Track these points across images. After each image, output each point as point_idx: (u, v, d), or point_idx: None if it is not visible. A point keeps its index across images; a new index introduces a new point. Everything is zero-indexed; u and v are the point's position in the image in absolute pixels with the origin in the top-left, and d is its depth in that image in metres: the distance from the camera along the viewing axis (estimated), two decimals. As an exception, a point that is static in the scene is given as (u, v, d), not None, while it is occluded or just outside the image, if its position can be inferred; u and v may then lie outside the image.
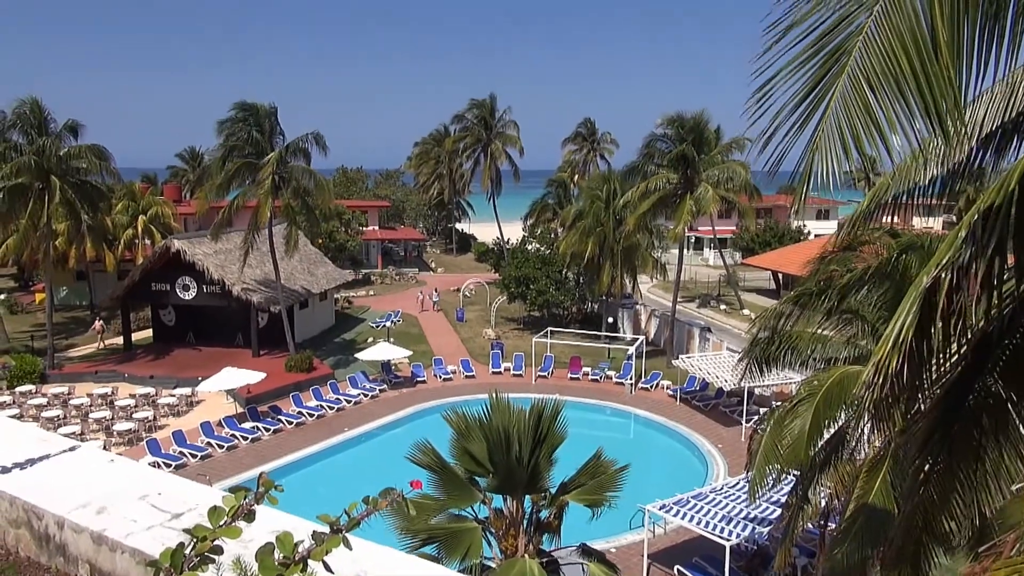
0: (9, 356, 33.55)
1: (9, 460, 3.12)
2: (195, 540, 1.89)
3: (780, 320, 13.98)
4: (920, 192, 6.15)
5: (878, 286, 12.63)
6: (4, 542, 2.86)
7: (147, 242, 45.51)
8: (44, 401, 30.30)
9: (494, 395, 10.86)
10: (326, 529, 2.00)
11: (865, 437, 12.88)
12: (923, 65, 4.50)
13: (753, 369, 14.40)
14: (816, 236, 58.25)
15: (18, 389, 31.50)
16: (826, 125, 4.75)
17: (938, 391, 5.61)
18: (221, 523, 1.92)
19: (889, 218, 6.69)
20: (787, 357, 13.95)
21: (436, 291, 51.90)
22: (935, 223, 57.40)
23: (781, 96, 4.85)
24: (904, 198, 6.20)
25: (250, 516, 1.97)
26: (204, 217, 44.77)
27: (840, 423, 12.93)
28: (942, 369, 5.36)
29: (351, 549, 2.01)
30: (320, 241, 51.04)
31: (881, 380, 5.17)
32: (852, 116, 4.70)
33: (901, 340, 4.90)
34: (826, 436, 13.38)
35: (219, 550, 1.91)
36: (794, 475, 14.40)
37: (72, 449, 3.30)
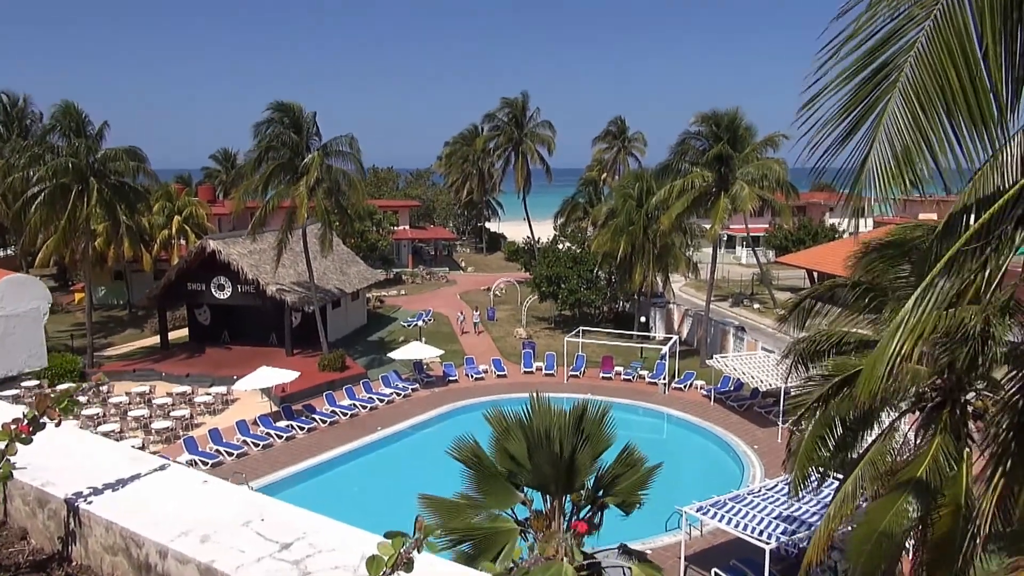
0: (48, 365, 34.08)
1: (99, 481, 2.98)
2: None
3: (808, 315, 13.71)
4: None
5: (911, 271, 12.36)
6: (100, 569, 2.75)
7: (182, 242, 46.15)
8: (84, 399, 30.80)
9: (535, 396, 10.77)
10: None
11: (906, 439, 12.64)
12: (972, 79, 4.48)
13: (798, 368, 14.17)
14: (851, 234, 57.22)
15: (58, 387, 32.04)
16: (878, 141, 4.79)
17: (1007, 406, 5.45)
18: (381, 575, 1.80)
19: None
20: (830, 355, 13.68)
21: (476, 310, 46.60)
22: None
23: (829, 107, 5.00)
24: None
25: (409, 565, 1.86)
26: (238, 217, 45.27)
27: (884, 425, 12.69)
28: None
29: None
30: (352, 241, 51.32)
31: (888, 369, 5.15)
32: (903, 132, 4.71)
33: (912, 330, 4.90)
34: (868, 438, 13.16)
35: None
36: (836, 478, 14.14)
37: (162, 468, 3.14)
